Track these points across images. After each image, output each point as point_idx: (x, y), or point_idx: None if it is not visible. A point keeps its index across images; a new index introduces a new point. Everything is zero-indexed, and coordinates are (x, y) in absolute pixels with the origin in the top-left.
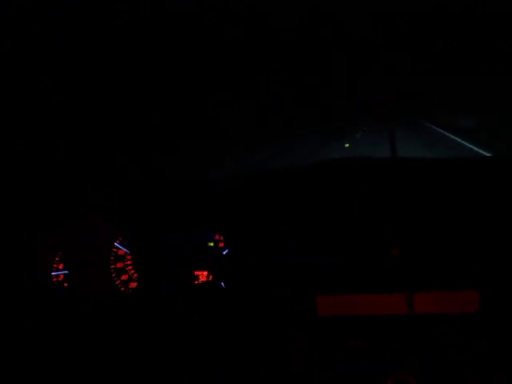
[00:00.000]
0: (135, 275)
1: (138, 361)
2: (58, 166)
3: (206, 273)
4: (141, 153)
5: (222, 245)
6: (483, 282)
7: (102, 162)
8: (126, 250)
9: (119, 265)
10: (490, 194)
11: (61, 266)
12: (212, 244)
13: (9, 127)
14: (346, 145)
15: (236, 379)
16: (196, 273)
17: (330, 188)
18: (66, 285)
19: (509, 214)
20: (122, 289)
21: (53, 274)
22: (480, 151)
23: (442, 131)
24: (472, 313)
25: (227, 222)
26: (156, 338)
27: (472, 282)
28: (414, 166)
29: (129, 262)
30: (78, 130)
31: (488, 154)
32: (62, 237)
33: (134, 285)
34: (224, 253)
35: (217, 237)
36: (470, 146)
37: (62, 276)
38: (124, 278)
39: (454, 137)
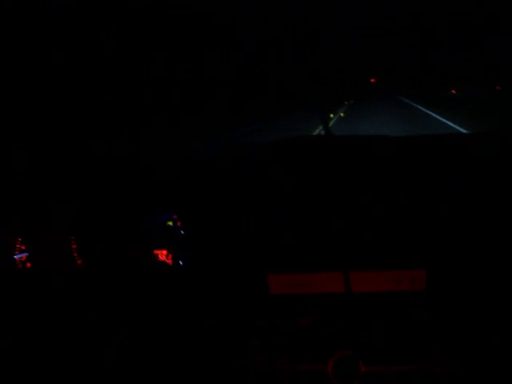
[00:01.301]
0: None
1: (100, 339)
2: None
3: (165, 251)
4: (103, 136)
5: (179, 224)
6: (431, 261)
7: (62, 144)
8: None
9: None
10: (444, 171)
11: (23, 247)
12: (171, 223)
13: None
14: (331, 115)
15: (192, 356)
16: (155, 251)
17: (274, 167)
18: (28, 265)
19: (452, 190)
20: (83, 268)
21: (15, 257)
22: (459, 129)
23: (423, 109)
24: (420, 290)
25: (182, 202)
26: (117, 316)
27: (420, 260)
28: (355, 142)
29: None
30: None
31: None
32: (21, 218)
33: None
34: (182, 232)
35: (175, 216)
36: (449, 123)
37: (24, 257)
38: (85, 257)
39: (434, 115)
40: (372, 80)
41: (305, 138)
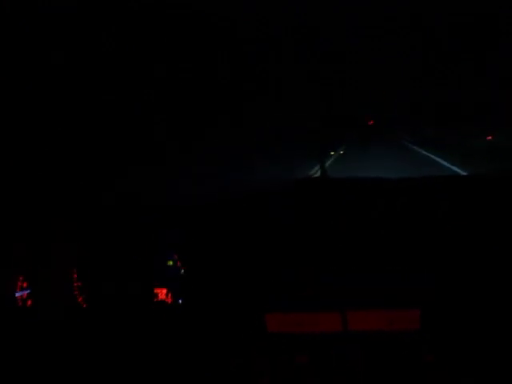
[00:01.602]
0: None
1: (102, 373)
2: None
3: (164, 290)
4: (106, 178)
5: (179, 264)
6: (424, 300)
7: (66, 185)
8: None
9: (82, 283)
10: (429, 212)
11: (25, 285)
12: (171, 263)
13: None
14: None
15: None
16: (155, 290)
17: (273, 210)
18: (29, 303)
19: (446, 231)
20: (85, 306)
21: (17, 294)
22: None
23: (426, 153)
24: (414, 330)
25: (184, 243)
26: (118, 353)
27: (413, 300)
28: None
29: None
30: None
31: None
32: (24, 256)
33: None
34: (182, 271)
35: (175, 256)
36: (449, 166)
37: (25, 294)
38: (86, 295)
39: (438, 159)
40: (370, 122)
41: (301, 180)
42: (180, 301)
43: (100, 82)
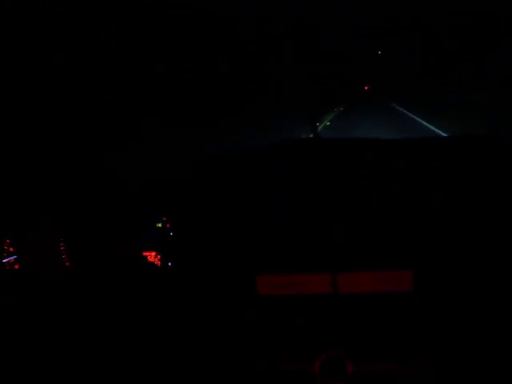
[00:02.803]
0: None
1: (89, 341)
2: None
3: (153, 253)
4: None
5: (168, 226)
6: (417, 262)
7: (52, 158)
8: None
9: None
10: (429, 171)
11: (11, 249)
12: (160, 225)
13: None
14: (328, 123)
15: (192, 356)
16: (144, 253)
17: (264, 170)
18: (16, 267)
19: (438, 191)
20: (72, 270)
21: (4, 260)
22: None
23: (411, 115)
24: (407, 291)
25: (172, 205)
26: (109, 318)
27: (407, 261)
28: (337, 146)
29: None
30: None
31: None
32: (10, 221)
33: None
34: (171, 233)
35: (164, 218)
36: (434, 128)
37: (12, 260)
38: (74, 261)
39: (421, 120)
40: (366, 87)
41: (294, 141)
42: (169, 264)
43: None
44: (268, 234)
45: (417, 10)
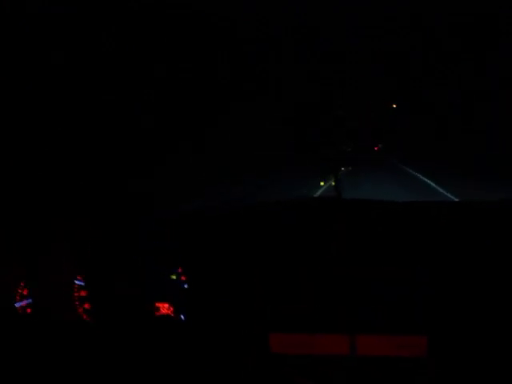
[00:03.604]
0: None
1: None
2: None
3: (166, 305)
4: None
5: (183, 278)
6: (432, 327)
7: (66, 185)
8: (83, 283)
9: (83, 293)
10: (442, 239)
11: (25, 292)
12: (174, 277)
13: None
14: (321, 183)
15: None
16: (157, 304)
17: (284, 227)
18: (29, 311)
19: (460, 259)
20: (85, 317)
21: (17, 305)
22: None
23: (419, 175)
24: (421, 357)
25: (188, 257)
26: (117, 367)
27: (421, 326)
28: (361, 207)
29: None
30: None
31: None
32: (25, 264)
33: (96, 314)
34: (185, 286)
35: (179, 270)
36: (442, 190)
37: (25, 304)
38: (87, 306)
39: (429, 181)
40: (376, 148)
41: (314, 200)
42: (182, 316)
43: (102, 82)
44: (285, 293)
45: (417, 9)
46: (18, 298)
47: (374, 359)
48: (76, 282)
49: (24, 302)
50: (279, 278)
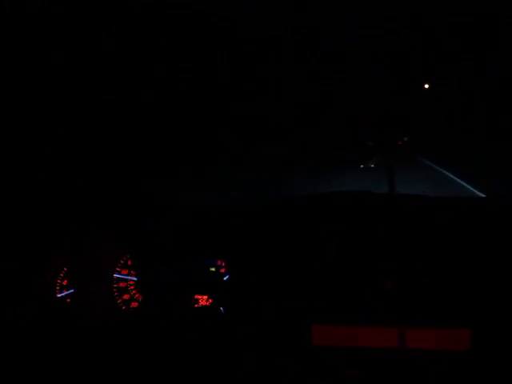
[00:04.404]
0: (137, 295)
1: (136, 380)
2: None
3: (206, 297)
4: (149, 177)
5: (223, 270)
6: (475, 320)
7: (114, 184)
8: (128, 277)
9: (122, 284)
10: (482, 233)
11: (65, 282)
12: (214, 269)
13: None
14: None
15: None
16: (196, 296)
17: (330, 219)
18: (68, 301)
19: (501, 252)
20: (123, 308)
21: (59, 295)
22: (477, 192)
23: (443, 171)
24: (463, 350)
25: (230, 249)
26: (154, 358)
27: (464, 319)
28: (412, 203)
29: (131, 282)
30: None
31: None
32: (68, 253)
33: (135, 305)
34: (225, 278)
35: (218, 262)
36: (468, 186)
37: (65, 294)
38: (125, 297)
39: (453, 177)
40: (399, 142)
41: (368, 195)
42: (222, 309)
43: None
44: (326, 283)
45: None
46: (58, 288)
47: (421, 352)
48: (115, 275)
49: (65, 293)
50: (323, 269)
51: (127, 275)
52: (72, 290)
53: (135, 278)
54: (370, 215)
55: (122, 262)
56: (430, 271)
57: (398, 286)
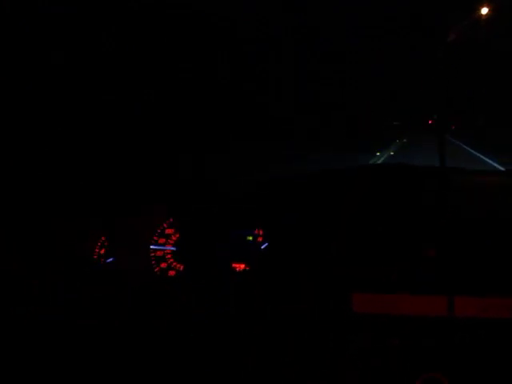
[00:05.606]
0: (173, 264)
1: (171, 345)
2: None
3: (243, 265)
4: (193, 152)
5: (260, 239)
6: None
7: (158, 159)
8: (166, 246)
9: (159, 253)
10: None
11: (102, 251)
12: (251, 238)
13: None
14: (391, 152)
15: (264, 369)
16: (234, 265)
17: (371, 191)
18: (102, 261)
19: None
20: (161, 275)
21: (106, 261)
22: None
23: (465, 147)
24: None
25: (270, 218)
26: (188, 326)
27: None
28: (453, 175)
29: (168, 251)
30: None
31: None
32: (109, 219)
33: (172, 273)
34: (262, 247)
35: (256, 231)
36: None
37: (103, 250)
38: (163, 265)
39: (475, 152)
40: (429, 121)
41: (407, 167)
42: (258, 276)
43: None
44: (370, 253)
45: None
46: (95, 257)
47: (469, 321)
48: (152, 246)
49: (103, 261)
50: (364, 240)
51: (164, 244)
52: (111, 259)
53: (173, 248)
54: (415, 186)
55: (158, 231)
56: (472, 240)
57: (442, 255)
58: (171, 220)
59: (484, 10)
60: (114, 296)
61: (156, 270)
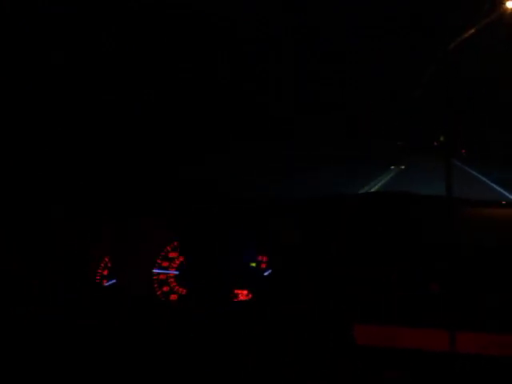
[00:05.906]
0: (176, 288)
1: (168, 370)
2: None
3: (245, 292)
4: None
5: (264, 266)
6: None
7: (163, 172)
8: (169, 270)
9: (162, 276)
10: None
11: (105, 272)
12: (254, 264)
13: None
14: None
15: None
16: (236, 291)
17: (377, 219)
18: (113, 291)
19: None
20: (163, 299)
21: (105, 284)
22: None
23: (477, 175)
24: None
25: (274, 245)
26: (188, 350)
27: None
28: (458, 205)
29: (171, 275)
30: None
31: None
32: (112, 240)
33: (174, 297)
34: (265, 274)
35: (259, 257)
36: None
37: (106, 271)
38: (165, 289)
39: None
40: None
41: (414, 196)
42: (261, 304)
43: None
44: (373, 283)
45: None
46: (98, 277)
47: (471, 357)
48: (155, 270)
49: (106, 283)
50: (367, 270)
51: (167, 268)
52: (113, 281)
53: (176, 272)
54: (419, 215)
55: (162, 254)
56: (477, 275)
57: (445, 290)
58: (175, 243)
59: (510, 4)
60: (113, 315)
61: (158, 293)
